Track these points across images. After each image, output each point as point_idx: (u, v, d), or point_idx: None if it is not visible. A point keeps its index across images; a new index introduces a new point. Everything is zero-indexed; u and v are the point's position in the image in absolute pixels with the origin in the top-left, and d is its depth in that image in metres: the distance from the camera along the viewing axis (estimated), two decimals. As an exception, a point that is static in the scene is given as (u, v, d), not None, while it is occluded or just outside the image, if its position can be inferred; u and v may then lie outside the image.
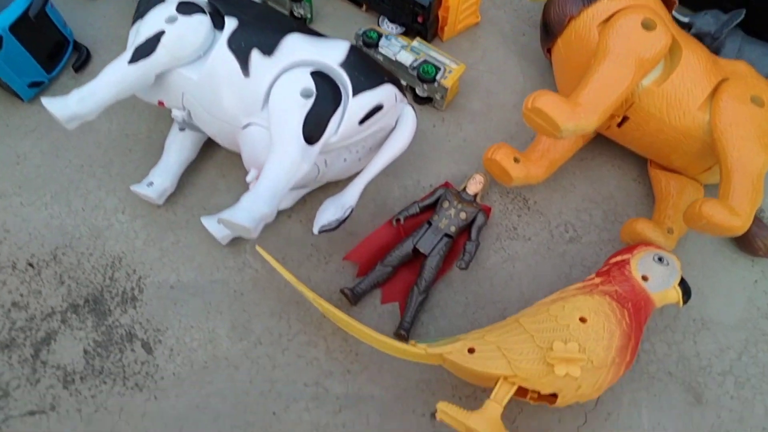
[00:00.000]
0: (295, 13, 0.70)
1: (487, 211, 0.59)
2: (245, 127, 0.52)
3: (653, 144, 0.57)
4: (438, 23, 0.70)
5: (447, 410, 0.45)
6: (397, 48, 0.64)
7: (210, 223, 0.56)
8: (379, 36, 0.65)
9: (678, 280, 0.52)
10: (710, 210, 0.47)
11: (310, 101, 0.50)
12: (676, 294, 0.51)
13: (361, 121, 0.51)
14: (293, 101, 0.50)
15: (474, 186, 0.59)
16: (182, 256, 0.58)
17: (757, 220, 0.58)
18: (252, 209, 0.46)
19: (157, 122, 0.64)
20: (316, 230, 0.52)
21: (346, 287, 0.54)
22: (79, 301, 0.56)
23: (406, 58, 0.64)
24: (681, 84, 0.53)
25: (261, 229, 0.48)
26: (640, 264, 0.53)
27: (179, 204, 0.60)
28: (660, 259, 0.53)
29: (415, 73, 0.63)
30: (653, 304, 0.51)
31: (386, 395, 0.53)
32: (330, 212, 0.53)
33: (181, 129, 0.60)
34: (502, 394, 0.46)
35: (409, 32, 0.69)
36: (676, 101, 0.54)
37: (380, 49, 0.64)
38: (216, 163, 0.63)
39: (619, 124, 0.56)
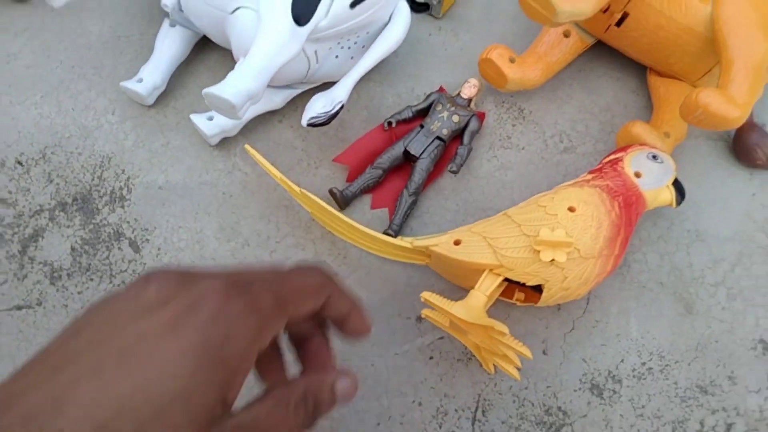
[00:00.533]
0: None
1: (481, 117, 0.53)
2: (234, 11, 0.46)
3: (652, 45, 0.50)
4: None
5: (430, 298, 0.39)
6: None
7: (200, 120, 0.51)
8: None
9: (672, 179, 0.45)
10: (707, 98, 0.41)
11: None
12: (669, 194, 0.45)
13: (353, 5, 0.45)
14: (282, -19, 0.44)
15: (468, 90, 0.53)
16: (171, 157, 0.53)
17: (759, 128, 0.52)
18: (237, 85, 0.41)
19: (150, 25, 0.59)
20: (304, 122, 0.47)
21: (335, 187, 0.49)
22: (67, 200, 0.51)
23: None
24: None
25: (247, 109, 0.42)
26: (634, 161, 0.45)
27: (170, 106, 0.55)
28: (654, 157, 0.46)
29: (411, -23, 0.57)
30: (645, 202, 0.44)
31: (374, 298, 0.48)
32: (319, 104, 0.47)
33: (172, 25, 0.54)
34: (487, 285, 0.40)
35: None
36: (677, -6, 0.47)
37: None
38: (208, 66, 0.57)
39: (618, 23, 0.50)
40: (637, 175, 0.45)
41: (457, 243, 0.42)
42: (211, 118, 0.50)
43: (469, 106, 0.53)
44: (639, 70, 0.57)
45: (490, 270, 0.41)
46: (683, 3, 0.47)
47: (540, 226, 0.40)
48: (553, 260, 0.39)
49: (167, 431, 0.20)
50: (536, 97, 0.56)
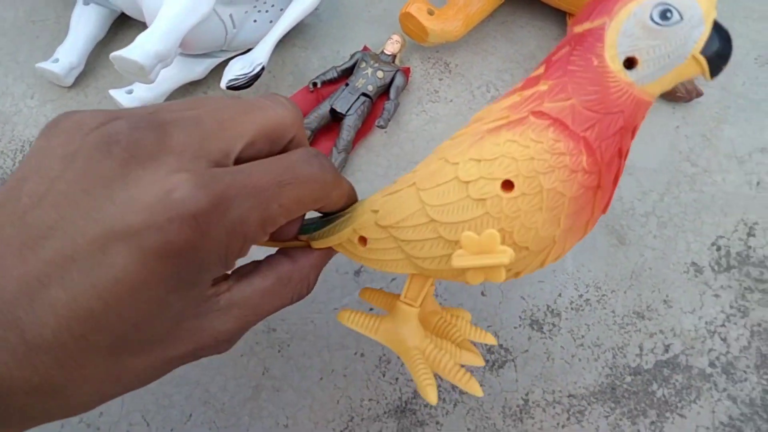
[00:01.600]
0: None
1: (406, 72, 0.54)
2: (141, -19, 0.46)
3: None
4: None
5: (350, 322, 0.31)
6: None
7: (119, 95, 0.50)
8: None
9: (705, 36, 0.22)
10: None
11: None
12: (696, 65, 0.23)
13: None
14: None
15: (391, 46, 0.53)
16: (95, 136, 0.52)
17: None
18: (145, 45, 0.41)
19: (66, 8, 0.58)
20: (223, 85, 0.47)
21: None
22: (-12, 186, 0.50)
23: None
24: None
25: (158, 73, 0.42)
26: (624, 36, 0.23)
27: (91, 86, 0.54)
28: (665, 14, 0.22)
29: (327, -61, 0.57)
30: (645, 105, 0.24)
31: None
32: (237, 66, 0.47)
33: (86, 3, 0.53)
34: (414, 293, 0.29)
35: None
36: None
37: None
38: (128, 43, 0.57)
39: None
40: (631, 63, 0.23)
41: (362, 241, 0.29)
42: (130, 92, 0.50)
43: (393, 62, 0.53)
44: (559, 17, 0.58)
45: (415, 271, 0.28)
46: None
47: (462, 225, 0.25)
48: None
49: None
50: (461, 50, 0.57)
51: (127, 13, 0.51)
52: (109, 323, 0.19)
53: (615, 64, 0.23)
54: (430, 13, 0.52)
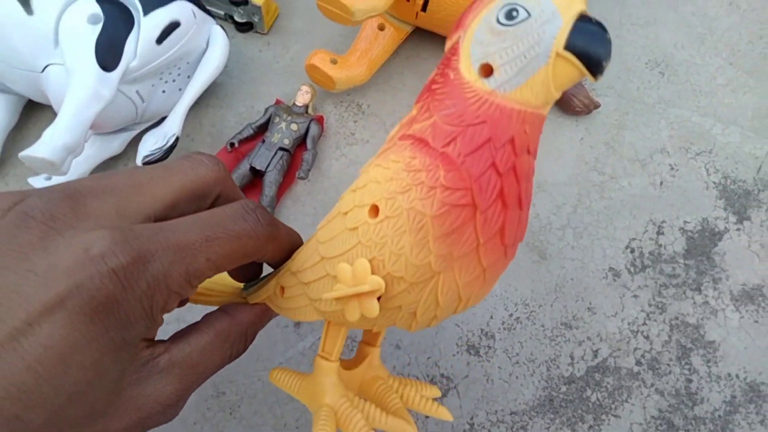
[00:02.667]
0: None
1: (320, 121, 0.56)
2: (44, 69, 0.47)
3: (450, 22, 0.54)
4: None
5: (277, 381, 0.31)
6: (201, -24, 0.59)
7: (38, 182, 0.50)
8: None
9: (565, 32, 0.19)
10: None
11: (99, 27, 0.45)
12: (569, 65, 0.19)
13: (159, 41, 0.47)
14: (81, 29, 0.44)
15: (301, 97, 0.55)
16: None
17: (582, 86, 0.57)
18: (52, 141, 0.41)
19: None
20: (139, 161, 0.48)
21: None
22: None
23: (212, -16, 0.59)
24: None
25: (70, 164, 0.43)
26: (476, 44, 0.21)
27: (9, 174, 0.54)
28: (510, 14, 0.20)
29: (225, 0, 0.59)
30: (519, 114, 0.21)
31: (249, 315, 0.50)
32: (151, 141, 0.48)
33: (-8, 96, 0.54)
34: (330, 346, 0.28)
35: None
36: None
37: (185, -19, 0.59)
38: (42, 127, 0.56)
39: (424, 8, 0.54)
40: (487, 71, 0.21)
41: (282, 292, 0.29)
42: (49, 178, 0.50)
43: (306, 112, 0.55)
44: (460, 46, 0.61)
45: (329, 322, 0.29)
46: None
47: (339, 257, 0.24)
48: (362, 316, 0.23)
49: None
50: (371, 90, 0.59)
51: (35, 99, 0.52)
52: (43, 397, 0.18)
53: (470, 74, 0.21)
54: (334, 62, 0.54)
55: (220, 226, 0.23)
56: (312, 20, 0.63)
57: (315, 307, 0.26)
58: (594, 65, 0.19)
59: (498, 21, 0.20)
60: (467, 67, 0.21)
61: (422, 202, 0.21)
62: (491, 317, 0.50)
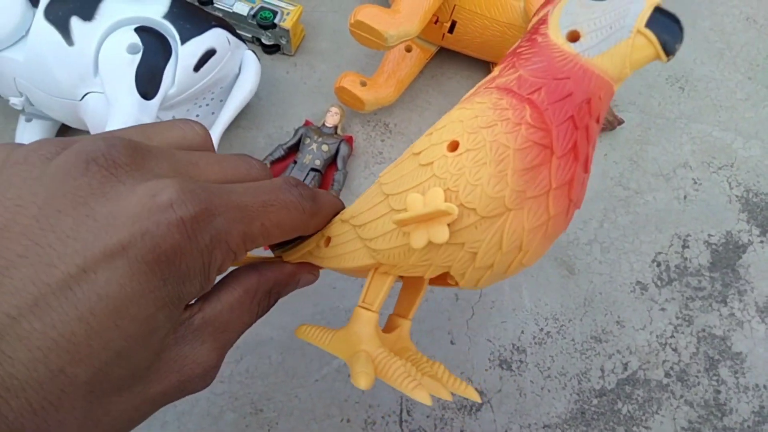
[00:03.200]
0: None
1: (349, 141, 0.57)
2: (83, 97, 0.48)
3: (485, 43, 0.56)
4: (274, -27, 0.66)
5: (305, 335, 0.30)
6: (232, 0, 0.61)
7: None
8: (212, -9, 0.62)
9: (645, 14, 0.21)
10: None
11: (139, 56, 0.46)
12: (646, 42, 0.22)
13: (196, 68, 0.48)
14: (121, 59, 0.46)
15: (331, 118, 0.57)
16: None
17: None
18: None
19: (7, 122, 0.59)
20: None
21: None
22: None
23: (242, 8, 0.60)
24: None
25: None
26: (565, 14, 0.24)
27: (47, 197, 0.56)
28: None
29: (254, 21, 0.60)
30: (599, 77, 0.22)
31: (283, 335, 0.51)
32: None
33: (28, 120, 0.55)
34: (375, 293, 0.28)
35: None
36: (492, -4, 0.52)
37: (216, 4, 0.61)
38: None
39: (450, 30, 0.55)
40: (574, 37, 0.23)
41: (327, 242, 0.29)
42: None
43: (336, 132, 0.56)
44: (484, 65, 0.62)
45: (375, 270, 0.28)
46: (499, 3, 0.52)
47: (408, 192, 0.24)
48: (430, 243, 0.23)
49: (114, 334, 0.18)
50: (398, 110, 0.60)
51: (69, 124, 0.53)
52: (92, 351, 0.17)
53: (558, 38, 0.23)
54: (363, 84, 0.56)
55: (274, 194, 0.23)
56: (337, 41, 0.65)
57: (368, 247, 0.26)
58: (668, 45, 0.21)
59: None
60: (555, 33, 0.23)
61: (507, 135, 0.22)
62: (522, 332, 0.51)
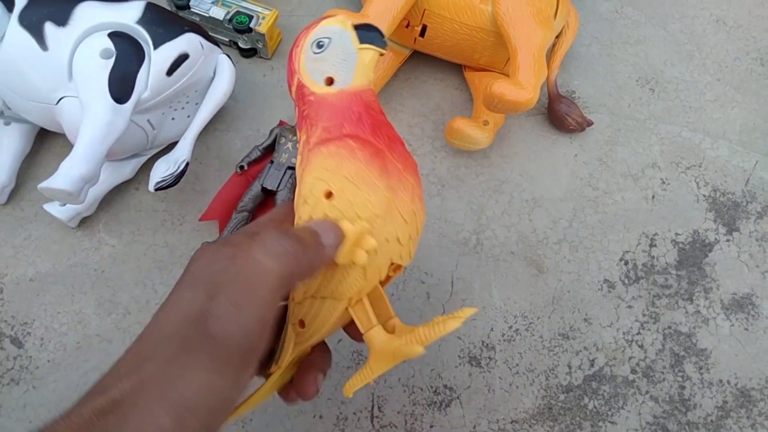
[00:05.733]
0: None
1: (323, 143, 0.58)
2: (58, 102, 0.49)
3: (456, 46, 0.57)
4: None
5: (354, 387, 0.33)
6: (208, 5, 0.62)
7: (53, 209, 0.53)
8: (187, -4, 0.62)
9: (354, 36, 0.31)
10: (499, 88, 0.48)
11: (112, 61, 0.47)
12: (367, 51, 0.31)
13: (169, 72, 0.49)
14: (94, 64, 0.47)
15: (305, 121, 0.58)
16: (37, 248, 0.55)
17: (566, 99, 0.59)
18: (69, 173, 0.44)
19: (-12, 126, 0.60)
20: (151, 188, 0.50)
21: (206, 242, 0.52)
22: (-63, 315, 0.52)
23: (218, 12, 0.61)
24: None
25: (87, 193, 0.45)
26: (311, 72, 0.32)
27: (25, 199, 0.57)
28: (319, 44, 0.31)
29: (230, 26, 0.61)
30: (364, 92, 0.31)
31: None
32: (162, 168, 0.50)
33: (7, 123, 0.55)
34: (365, 320, 0.32)
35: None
36: (460, 0, 0.53)
37: (193, 9, 0.62)
38: (55, 153, 0.59)
39: (422, 34, 0.56)
40: (330, 81, 0.31)
41: (302, 324, 0.33)
42: (63, 204, 0.52)
43: (310, 134, 0.57)
44: (457, 68, 0.63)
45: (351, 305, 0.32)
46: (467, 8, 0.53)
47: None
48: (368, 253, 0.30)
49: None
50: (372, 111, 0.61)
51: (48, 128, 0.54)
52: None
53: (322, 89, 0.32)
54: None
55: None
56: (313, 44, 0.65)
57: (334, 298, 0.32)
58: (379, 44, 0.32)
59: (314, 53, 0.32)
60: (317, 87, 0.32)
61: (353, 162, 0.30)
62: (491, 329, 0.52)
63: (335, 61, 0.32)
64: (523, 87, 0.48)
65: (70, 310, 0.52)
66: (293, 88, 0.34)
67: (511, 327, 0.52)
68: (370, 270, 0.31)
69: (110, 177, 0.54)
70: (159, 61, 0.49)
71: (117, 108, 0.47)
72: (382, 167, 0.30)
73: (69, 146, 0.58)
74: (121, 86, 0.47)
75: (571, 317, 0.52)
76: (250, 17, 0.61)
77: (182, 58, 0.50)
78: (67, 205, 0.52)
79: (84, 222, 0.55)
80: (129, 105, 0.47)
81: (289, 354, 0.34)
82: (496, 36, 0.54)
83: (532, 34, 0.50)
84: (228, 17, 0.61)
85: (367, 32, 0.32)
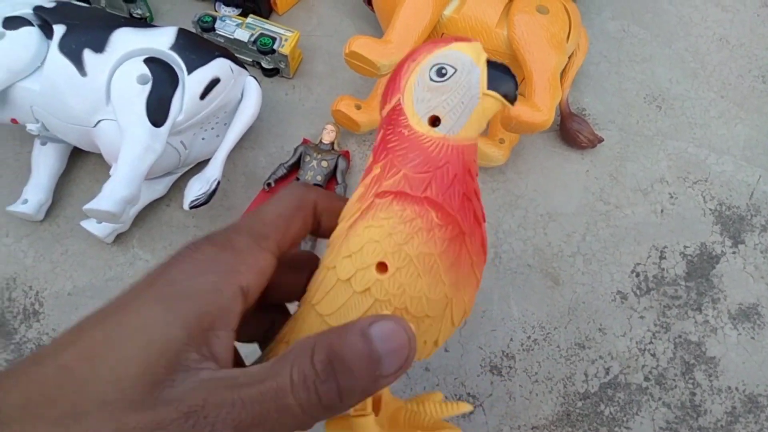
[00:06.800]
0: (134, 14, 0.68)
1: (346, 156, 0.60)
2: (96, 124, 0.50)
3: (474, 69, 0.59)
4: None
5: None
6: (233, 27, 0.63)
7: (90, 225, 0.54)
8: (214, 19, 0.64)
9: (484, 76, 0.24)
10: (517, 111, 0.49)
11: (148, 86, 0.49)
12: (492, 101, 0.25)
13: (202, 96, 0.51)
14: (132, 89, 0.49)
15: (327, 135, 0.59)
16: (74, 263, 0.56)
17: (576, 116, 0.61)
18: (113, 195, 0.45)
19: (23, 145, 0.61)
20: (186, 206, 0.52)
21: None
22: (-20, 328, 0.54)
23: (243, 35, 0.63)
24: (476, 8, 0.55)
25: (128, 212, 0.47)
26: (418, 102, 0.25)
27: (60, 216, 0.58)
28: (441, 72, 0.25)
29: (255, 47, 0.63)
30: (468, 148, 0.25)
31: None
32: (196, 187, 0.52)
33: (43, 143, 0.57)
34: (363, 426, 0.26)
35: (246, 12, 0.68)
36: (476, 24, 0.55)
37: (218, 31, 0.63)
38: (88, 170, 0.61)
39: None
40: (435, 121, 0.25)
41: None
42: (99, 222, 0.54)
43: (333, 149, 0.59)
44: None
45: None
46: (484, 31, 0.55)
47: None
48: None
49: (121, 364, 0.19)
50: (391, 129, 0.63)
51: (83, 148, 0.56)
52: None
53: (422, 127, 0.25)
54: (358, 107, 0.58)
55: None
56: (333, 64, 0.67)
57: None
58: (509, 96, 0.25)
59: (431, 79, 0.25)
60: (417, 122, 0.25)
61: (426, 245, 0.24)
62: (511, 339, 0.53)
63: (451, 99, 0.25)
64: (539, 109, 0.50)
65: (107, 323, 0.53)
66: (387, 107, 0.26)
67: (529, 337, 0.53)
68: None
69: (144, 194, 0.55)
70: (192, 86, 0.51)
71: (155, 131, 0.49)
72: (455, 259, 0.25)
73: (102, 164, 0.60)
74: (157, 110, 0.49)
75: (587, 327, 0.54)
76: (273, 39, 0.63)
77: (214, 83, 0.52)
78: (104, 223, 0.54)
79: (118, 238, 0.56)
80: (165, 128, 0.49)
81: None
82: (511, 58, 0.55)
83: (546, 58, 0.52)
84: (252, 39, 0.63)
85: (500, 75, 0.25)
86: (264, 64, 0.65)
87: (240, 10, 0.68)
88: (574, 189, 0.60)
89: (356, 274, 0.24)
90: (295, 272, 0.28)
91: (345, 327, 0.20)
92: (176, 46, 0.52)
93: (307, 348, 0.20)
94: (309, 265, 0.27)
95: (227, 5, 0.68)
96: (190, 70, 0.51)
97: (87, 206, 0.45)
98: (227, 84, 0.53)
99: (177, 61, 0.51)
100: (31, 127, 0.54)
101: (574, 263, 0.56)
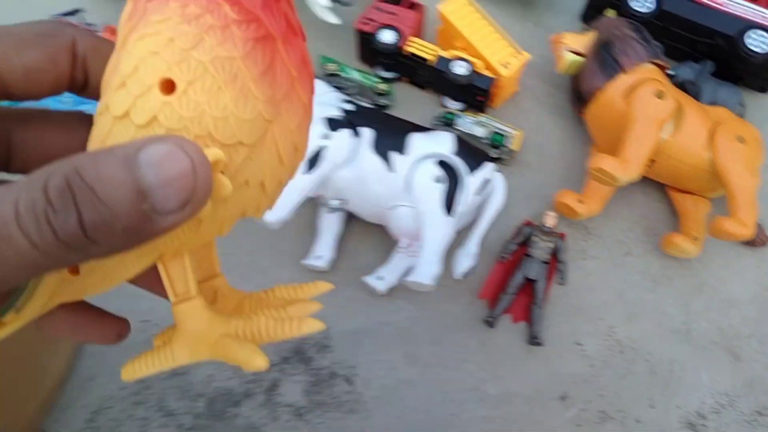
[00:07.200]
0: (380, 103, 0.84)
1: (563, 237, 0.74)
2: (392, 208, 0.66)
3: (673, 176, 0.73)
4: (490, 97, 0.84)
5: (138, 372, 0.23)
6: (469, 124, 0.79)
7: (370, 280, 0.70)
8: (453, 116, 0.80)
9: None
10: (729, 226, 0.64)
11: (441, 185, 0.65)
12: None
13: (477, 192, 0.67)
14: (432, 187, 0.65)
15: (551, 220, 0.73)
16: (354, 307, 0.71)
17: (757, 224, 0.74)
18: (429, 271, 0.62)
19: (304, 212, 0.78)
20: (460, 276, 0.67)
21: (487, 317, 0.69)
22: (286, 354, 0.69)
23: (479, 131, 0.78)
24: (688, 134, 0.69)
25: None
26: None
27: (340, 269, 0.74)
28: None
29: (488, 142, 0.78)
30: None
31: (526, 389, 0.68)
32: (465, 260, 0.67)
33: (329, 212, 0.73)
34: (181, 284, 0.23)
35: (469, 105, 0.83)
36: (686, 147, 0.69)
37: (456, 126, 0.79)
38: (354, 232, 0.76)
39: (649, 166, 0.72)
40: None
41: (75, 271, 0.22)
42: (380, 278, 0.69)
43: (553, 231, 0.74)
44: (658, 184, 0.79)
45: (162, 261, 0.22)
46: (691, 152, 0.69)
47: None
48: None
49: None
50: (594, 217, 0.77)
51: (368, 220, 0.71)
52: None
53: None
54: (580, 201, 0.73)
55: None
56: (541, 155, 0.82)
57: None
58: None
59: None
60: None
61: (224, 45, 0.18)
62: (703, 402, 0.67)
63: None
64: (745, 225, 0.64)
65: (384, 359, 0.69)
66: None
67: (717, 402, 0.67)
68: (209, 223, 0.21)
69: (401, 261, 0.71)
70: (472, 184, 0.66)
71: (449, 221, 0.64)
72: (267, 66, 0.19)
73: (365, 229, 0.75)
74: (449, 204, 0.65)
75: (764, 398, 0.67)
76: (504, 136, 0.78)
77: (486, 182, 0.67)
78: (384, 279, 0.70)
79: (388, 291, 0.72)
80: (455, 218, 0.65)
81: (38, 305, 0.21)
82: (710, 174, 0.69)
83: (747, 183, 0.66)
84: (487, 135, 0.78)
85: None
86: (492, 154, 0.80)
87: (464, 105, 0.83)
88: (748, 280, 0.73)
89: (135, 103, 0.18)
90: (64, 132, 0.23)
91: (103, 151, 0.16)
92: (458, 152, 0.67)
93: (43, 172, 0.15)
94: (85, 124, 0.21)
95: (455, 100, 0.84)
96: (471, 172, 0.66)
97: (409, 279, 0.61)
98: (494, 182, 0.69)
99: (459, 165, 0.67)
100: (333, 203, 0.70)
101: (750, 343, 0.70)
